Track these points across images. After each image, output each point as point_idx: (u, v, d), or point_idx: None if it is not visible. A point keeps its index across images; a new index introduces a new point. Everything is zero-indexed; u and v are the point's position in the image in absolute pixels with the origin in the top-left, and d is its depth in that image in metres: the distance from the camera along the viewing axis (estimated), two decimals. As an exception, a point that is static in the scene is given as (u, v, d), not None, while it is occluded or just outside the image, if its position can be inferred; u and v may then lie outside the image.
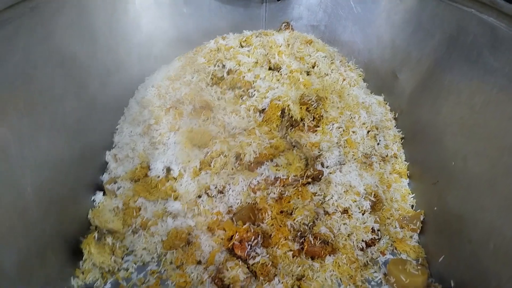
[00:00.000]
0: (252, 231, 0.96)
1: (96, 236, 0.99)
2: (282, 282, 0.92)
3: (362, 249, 1.01)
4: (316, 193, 1.06)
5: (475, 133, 1.02)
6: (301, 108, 1.19)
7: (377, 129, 1.26)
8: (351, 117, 1.24)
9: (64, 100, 1.10)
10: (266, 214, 1.01)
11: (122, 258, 1.00)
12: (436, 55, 1.24)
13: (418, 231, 1.06)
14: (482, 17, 1.07)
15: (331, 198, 1.05)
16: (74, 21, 1.16)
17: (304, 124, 1.18)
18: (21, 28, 0.91)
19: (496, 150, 0.94)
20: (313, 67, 1.36)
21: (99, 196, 1.11)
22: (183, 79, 1.28)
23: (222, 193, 1.06)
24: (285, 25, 1.48)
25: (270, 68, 1.30)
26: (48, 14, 1.02)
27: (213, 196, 1.05)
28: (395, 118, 1.34)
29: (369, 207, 1.06)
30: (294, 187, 1.06)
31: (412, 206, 1.13)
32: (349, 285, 0.95)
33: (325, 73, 1.35)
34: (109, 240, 1.00)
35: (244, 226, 0.98)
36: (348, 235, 1.01)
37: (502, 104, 0.96)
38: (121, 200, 1.09)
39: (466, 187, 0.97)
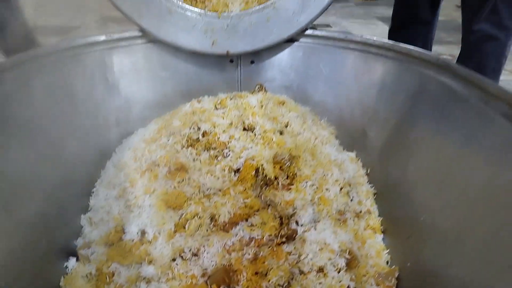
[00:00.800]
0: (226, 294, 0.95)
1: (67, 305, 0.96)
2: None
3: (339, 309, 1.00)
4: (291, 252, 1.07)
5: (442, 187, 1.06)
6: (274, 167, 1.22)
7: (350, 185, 1.29)
8: (324, 175, 1.27)
9: (39, 165, 1.11)
10: (241, 275, 1.01)
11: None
12: (402, 112, 1.30)
13: (394, 288, 1.07)
14: (439, 79, 1.15)
15: (306, 257, 1.05)
16: (53, 84, 1.20)
17: (278, 182, 1.20)
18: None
19: (463, 204, 0.98)
20: (286, 126, 1.41)
21: (72, 262, 1.09)
22: (159, 142, 1.30)
23: (197, 255, 1.05)
24: (258, 87, 1.54)
25: (244, 129, 1.34)
26: (27, 75, 1.06)
27: (187, 259, 1.05)
28: (367, 174, 1.38)
29: (345, 265, 1.06)
30: (269, 247, 1.06)
31: (387, 262, 1.14)
32: None
33: (297, 132, 1.39)
34: (80, 309, 0.97)
35: (219, 290, 0.97)
36: (324, 295, 1.01)
37: (466, 157, 1.00)
38: (94, 265, 1.07)
39: (436, 242, 1.00)
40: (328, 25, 1.52)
